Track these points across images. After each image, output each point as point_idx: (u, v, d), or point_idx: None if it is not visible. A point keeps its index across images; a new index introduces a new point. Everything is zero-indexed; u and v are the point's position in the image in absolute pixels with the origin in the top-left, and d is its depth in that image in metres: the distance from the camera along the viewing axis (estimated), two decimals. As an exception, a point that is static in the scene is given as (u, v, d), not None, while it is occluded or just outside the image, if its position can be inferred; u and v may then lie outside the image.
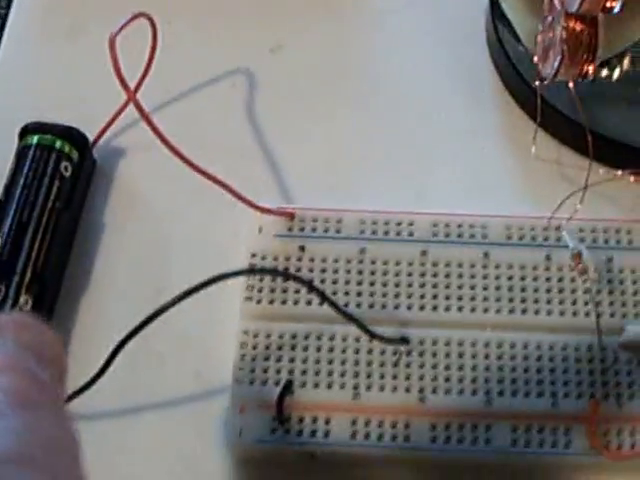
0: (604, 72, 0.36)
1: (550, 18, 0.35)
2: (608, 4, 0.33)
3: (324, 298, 0.30)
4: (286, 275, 0.31)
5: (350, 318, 0.30)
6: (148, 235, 0.35)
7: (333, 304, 0.30)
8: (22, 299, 0.31)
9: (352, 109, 0.38)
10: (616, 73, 0.36)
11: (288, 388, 0.30)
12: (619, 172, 0.33)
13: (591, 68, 0.34)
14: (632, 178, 0.33)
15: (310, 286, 0.31)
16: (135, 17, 0.33)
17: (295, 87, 0.38)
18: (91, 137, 0.35)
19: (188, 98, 0.38)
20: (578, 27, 0.34)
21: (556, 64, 0.34)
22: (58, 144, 0.34)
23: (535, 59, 0.35)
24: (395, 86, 0.38)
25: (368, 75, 0.39)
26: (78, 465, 0.19)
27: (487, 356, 0.31)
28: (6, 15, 0.40)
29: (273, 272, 0.32)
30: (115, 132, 0.36)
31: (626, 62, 0.37)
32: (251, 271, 0.31)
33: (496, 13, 0.38)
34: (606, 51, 0.35)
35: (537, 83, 0.35)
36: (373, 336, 0.30)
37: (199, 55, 0.39)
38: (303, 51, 0.39)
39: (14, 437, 0.18)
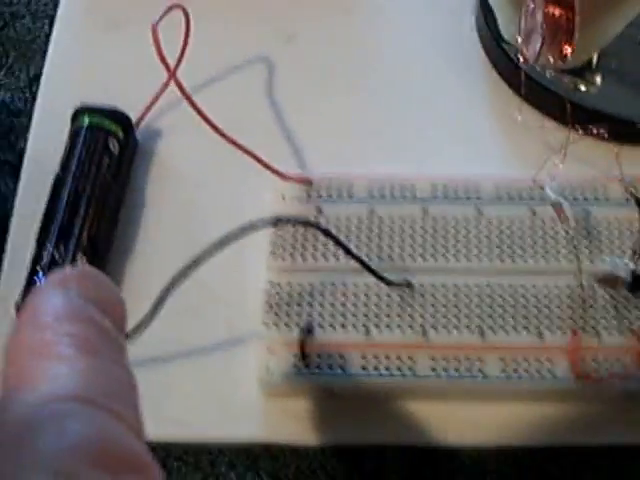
0: (582, 87, 0.39)
1: (532, 5, 0.38)
2: None
3: (339, 243, 0.34)
4: (309, 224, 0.35)
5: (361, 261, 0.34)
6: (184, 205, 0.39)
7: (348, 250, 0.34)
8: (78, 257, 0.35)
9: (359, 89, 0.41)
10: (592, 89, 0.40)
11: (309, 330, 0.34)
12: (594, 130, 0.37)
13: (569, 49, 0.38)
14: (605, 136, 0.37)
15: (328, 234, 0.35)
16: (171, 8, 0.37)
17: (308, 72, 0.42)
18: (134, 118, 0.39)
19: (216, 82, 0.41)
20: (557, 12, 0.38)
21: (538, 46, 0.38)
22: (107, 124, 0.38)
23: (519, 41, 0.39)
24: (396, 68, 0.42)
25: (373, 59, 0.42)
26: (135, 406, 0.20)
27: (480, 297, 0.34)
28: (52, 16, 0.44)
29: (299, 222, 0.36)
30: (154, 114, 0.40)
31: (598, 79, 0.40)
32: (279, 220, 0.35)
33: (483, 2, 0.42)
34: (583, 53, 0.39)
35: (522, 62, 0.39)
36: (382, 279, 0.34)
37: (225, 43, 0.42)
38: (315, 40, 0.43)
39: (78, 378, 0.19)
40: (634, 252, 0.34)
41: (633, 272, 0.34)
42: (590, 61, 0.40)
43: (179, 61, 0.38)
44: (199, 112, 0.35)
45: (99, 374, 0.20)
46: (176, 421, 0.34)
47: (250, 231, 0.33)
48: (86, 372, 0.20)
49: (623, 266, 0.34)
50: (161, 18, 0.36)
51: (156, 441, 0.33)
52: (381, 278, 0.34)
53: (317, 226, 0.35)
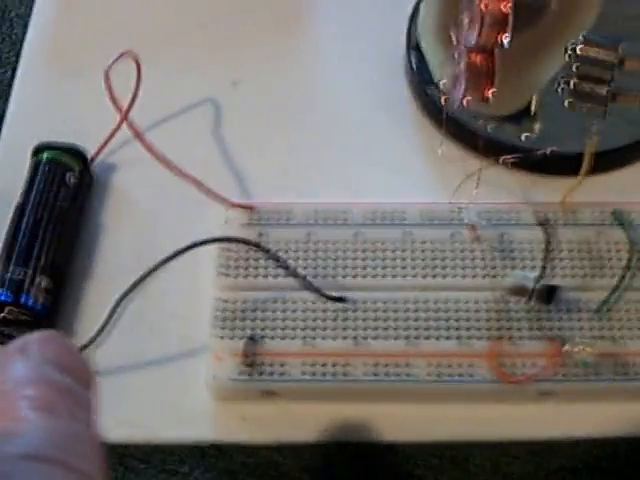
0: (523, 137, 0.43)
1: (457, 53, 0.42)
2: (499, 38, 0.40)
3: (278, 261, 0.38)
4: (252, 243, 0.39)
5: (300, 277, 0.38)
6: (137, 231, 0.42)
7: (287, 267, 0.38)
8: (38, 279, 0.38)
9: (298, 127, 0.45)
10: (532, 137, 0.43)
11: (253, 340, 0.37)
12: (500, 160, 0.40)
13: (490, 93, 0.42)
14: (509, 164, 0.41)
15: (269, 252, 0.38)
16: (122, 55, 0.40)
17: (252, 112, 0.46)
18: (91, 154, 0.43)
19: (168, 121, 0.45)
20: (478, 59, 0.42)
21: (461, 91, 0.42)
22: (64, 159, 0.41)
23: (443, 85, 0.43)
24: (332, 108, 0.46)
25: (310, 101, 0.46)
26: (94, 458, 0.20)
27: (408, 310, 0.38)
28: (16, 61, 0.48)
29: (243, 241, 0.39)
30: (110, 150, 0.43)
31: (537, 126, 0.43)
32: (227, 239, 0.39)
33: (412, 47, 0.46)
34: (509, 102, 0.43)
35: (443, 103, 0.43)
36: (320, 294, 0.38)
37: (176, 86, 0.46)
38: (257, 84, 0.47)
39: (34, 436, 0.20)
40: (543, 267, 0.37)
41: (544, 285, 0.37)
42: (528, 109, 0.44)
43: (131, 103, 0.41)
44: (148, 148, 0.38)
45: (55, 431, 0.20)
46: (133, 423, 0.37)
47: (196, 247, 0.36)
48: (42, 431, 0.20)
49: (528, 278, 0.37)
50: (112, 64, 0.39)
51: (115, 441, 0.36)
52: (319, 292, 0.38)
53: (259, 246, 0.39)
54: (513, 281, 0.38)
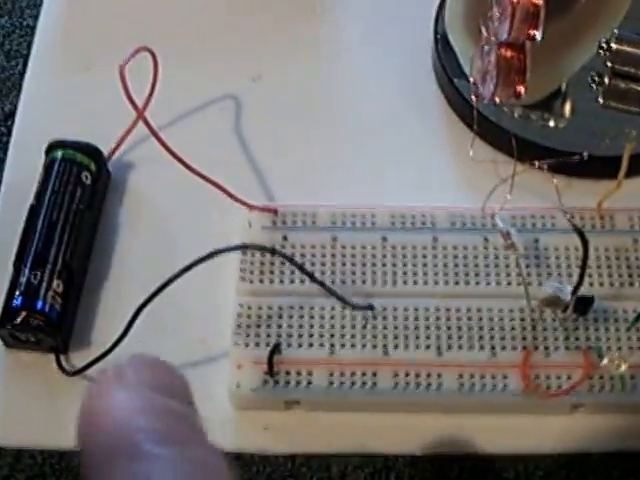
0: (551, 122, 0.42)
1: (486, 47, 0.41)
2: (531, 33, 0.39)
3: (302, 269, 0.37)
4: (274, 251, 0.37)
5: (324, 286, 0.36)
6: (156, 233, 0.41)
7: (310, 275, 0.36)
8: (54, 283, 0.37)
9: (323, 125, 0.44)
10: (561, 122, 0.42)
11: (277, 348, 0.36)
12: (536, 164, 0.38)
13: (522, 88, 0.41)
14: (544, 169, 0.39)
15: (292, 260, 0.37)
16: (138, 50, 0.39)
17: (274, 109, 0.44)
18: (106, 152, 0.41)
19: (187, 118, 0.44)
20: (509, 54, 0.41)
21: (491, 87, 0.41)
22: (78, 157, 0.40)
23: (472, 81, 0.42)
24: (358, 105, 0.44)
25: (335, 98, 0.45)
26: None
27: (438, 318, 0.37)
28: (28, 53, 0.46)
29: (264, 249, 0.38)
30: (126, 148, 0.42)
31: (567, 109, 0.43)
32: (246, 247, 0.37)
33: (439, 39, 0.44)
34: (538, 92, 0.42)
35: (474, 99, 0.41)
36: (345, 302, 0.36)
37: (194, 82, 0.45)
38: (279, 79, 0.45)
39: (171, 473, 0.19)
40: (580, 277, 0.36)
41: (577, 295, 0.36)
42: (558, 93, 0.43)
43: (148, 100, 0.40)
44: (166, 147, 0.37)
45: (187, 462, 0.20)
46: None
47: (216, 256, 0.34)
48: (174, 464, 0.19)
49: (563, 290, 0.36)
50: (128, 60, 0.38)
51: None
52: (345, 302, 0.37)
53: (281, 254, 0.37)
54: (547, 292, 0.36)
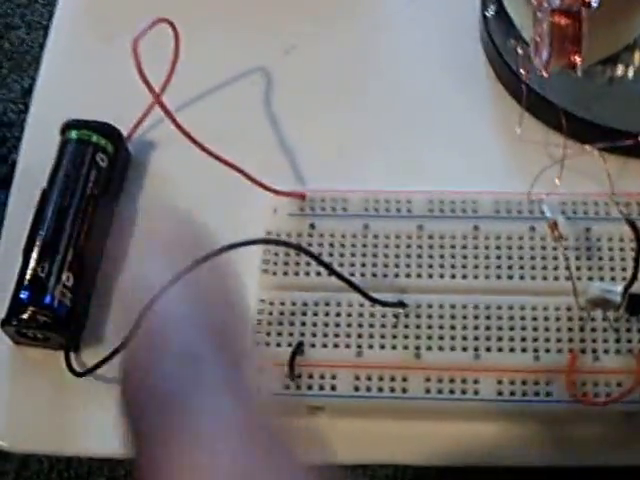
0: (619, 70, 0.38)
1: (539, 14, 0.38)
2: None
3: (326, 267, 0.34)
4: (293, 246, 0.35)
5: (350, 284, 0.33)
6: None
7: (334, 272, 0.34)
8: (64, 276, 0.35)
9: (357, 102, 0.41)
10: (630, 71, 0.39)
11: (299, 349, 0.33)
12: (587, 147, 0.36)
13: (578, 58, 0.37)
14: (596, 152, 0.36)
15: (314, 256, 0.34)
16: (156, 22, 0.36)
17: (307, 84, 0.41)
18: (127, 131, 0.39)
19: (212, 94, 0.41)
20: (563, 21, 0.37)
21: (545, 56, 0.37)
22: (95, 138, 0.37)
23: (523, 50, 0.38)
24: (398, 81, 0.41)
25: (373, 73, 0.42)
26: None
27: (476, 317, 0.34)
28: (47, 27, 0.44)
29: (283, 243, 0.35)
30: (148, 126, 0.40)
31: (637, 57, 0.39)
32: (262, 241, 0.35)
33: (488, 6, 0.41)
34: (610, 47, 0.38)
35: (523, 72, 0.38)
36: (372, 300, 0.34)
37: (220, 55, 0.42)
38: (313, 51, 0.42)
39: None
40: (634, 274, 0.32)
41: (630, 294, 0.32)
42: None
43: (168, 79, 0.38)
44: (184, 132, 0.35)
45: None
46: None
47: (227, 251, 0.32)
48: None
49: (613, 289, 0.33)
50: (143, 33, 0.35)
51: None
52: (371, 299, 0.34)
53: (303, 249, 0.35)
54: (593, 293, 0.33)
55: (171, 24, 0.37)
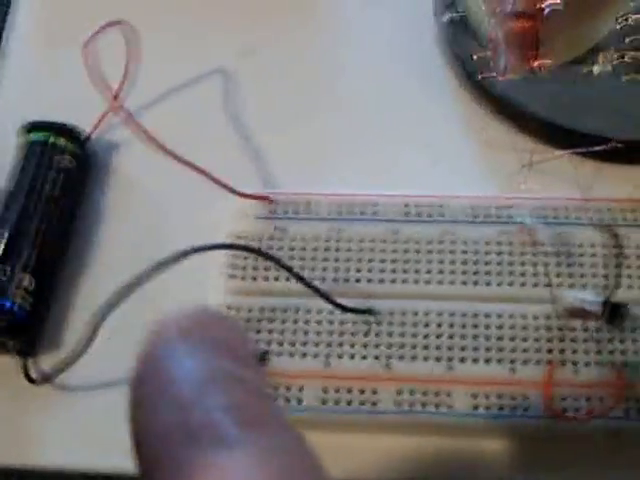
0: (596, 69, 0.37)
1: (493, 20, 0.36)
2: (540, 3, 0.34)
3: (290, 272, 0.32)
4: (250, 249, 0.33)
5: (315, 290, 0.32)
6: (140, 223, 0.37)
7: (299, 277, 0.32)
8: (25, 279, 0.33)
9: (325, 105, 0.40)
10: (596, 69, 0.37)
11: (264, 358, 0.32)
12: (560, 152, 0.34)
13: (536, 64, 0.35)
14: (568, 157, 0.34)
15: (274, 259, 0.33)
16: (109, 24, 0.35)
17: (271, 85, 0.40)
18: (86, 133, 0.37)
19: (177, 96, 0.40)
20: (518, 27, 0.35)
21: (502, 62, 0.36)
22: (54, 140, 0.36)
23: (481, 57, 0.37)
24: (364, 84, 0.40)
25: (339, 74, 0.41)
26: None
27: (451, 325, 0.32)
28: (2, 28, 0.42)
29: (237, 247, 0.33)
30: (111, 127, 0.38)
31: (601, 59, 0.37)
32: (216, 246, 0.33)
33: (448, 9, 0.39)
34: (573, 50, 0.37)
35: (480, 77, 0.36)
36: (339, 307, 0.32)
37: (182, 56, 0.41)
38: (276, 52, 0.41)
39: (256, 467, 0.18)
40: (615, 282, 0.31)
41: (611, 303, 0.31)
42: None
43: (123, 81, 0.37)
44: (146, 134, 0.34)
45: (268, 452, 0.18)
46: (119, 450, 0.31)
47: (188, 256, 0.30)
48: (261, 454, 0.18)
49: (590, 299, 0.31)
50: (93, 37, 0.34)
51: (105, 472, 0.32)
52: (340, 306, 0.32)
53: (263, 254, 0.33)
54: (573, 302, 0.31)
55: (126, 25, 0.36)
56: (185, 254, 0.31)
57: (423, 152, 0.38)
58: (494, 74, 0.36)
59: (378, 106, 0.39)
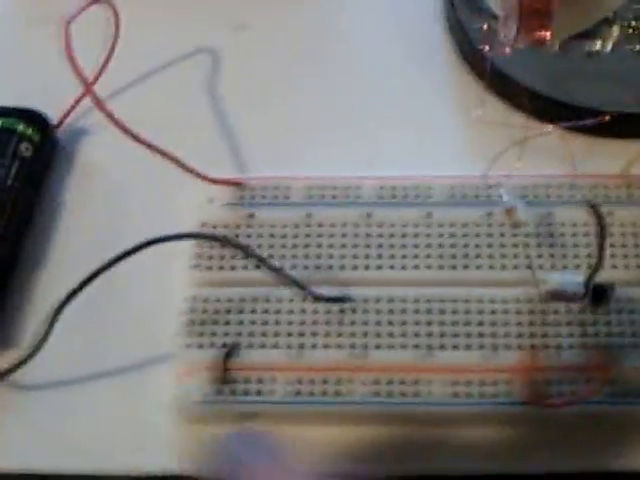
0: (590, 47, 0.36)
1: None
2: None
3: (259, 259, 0.31)
4: (219, 239, 0.32)
5: (287, 277, 0.31)
6: (105, 210, 0.36)
7: (268, 265, 0.31)
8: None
9: (305, 84, 0.39)
10: (609, 46, 0.36)
11: (234, 350, 0.31)
12: (550, 127, 0.33)
13: (548, 35, 0.34)
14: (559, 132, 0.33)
15: (242, 247, 0.32)
16: (91, 3, 0.34)
17: (252, 65, 0.39)
18: (57, 118, 0.36)
19: (153, 78, 0.39)
20: None
21: (513, 32, 0.34)
22: (16, 126, 0.35)
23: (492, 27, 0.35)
24: (349, 60, 0.39)
25: (322, 52, 0.40)
26: None
27: (429, 311, 0.31)
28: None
29: (200, 236, 0.32)
30: (83, 113, 0.37)
31: (615, 33, 0.36)
32: (187, 235, 0.32)
33: None
34: (583, 23, 0.36)
35: (486, 48, 0.35)
36: (313, 295, 0.31)
37: (163, 34, 0.40)
38: (261, 31, 0.40)
39: None
40: (596, 263, 0.30)
41: (594, 284, 0.30)
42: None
43: (104, 64, 0.36)
44: (113, 120, 0.32)
45: None
46: (81, 450, 0.31)
47: (147, 247, 0.29)
48: None
49: (573, 280, 0.30)
50: (76, 15, 0.33)
51: (58, 472, 0.30)
52: (312, 293, 0.31)
53: (231, 241, 0.32)
54: (556, 284, 0.30)
55: (110, 3, 0.35)
56: (145, 245, 0.29)
57: (409, 131, 0.37)
58: (499, 45, 0.35)
59: (365, 84, 0.39)
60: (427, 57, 0.38)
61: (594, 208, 0.29)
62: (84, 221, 0.35)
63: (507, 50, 0.34)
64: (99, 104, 0.32)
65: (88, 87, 0.32)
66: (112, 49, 0.36)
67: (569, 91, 0.35)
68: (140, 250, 0.29)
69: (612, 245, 0.32)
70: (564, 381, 0.30)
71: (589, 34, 0.36)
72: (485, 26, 0.36)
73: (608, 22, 0.37)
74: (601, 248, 0.29)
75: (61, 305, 0.30)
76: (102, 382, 0.32)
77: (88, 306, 0.31)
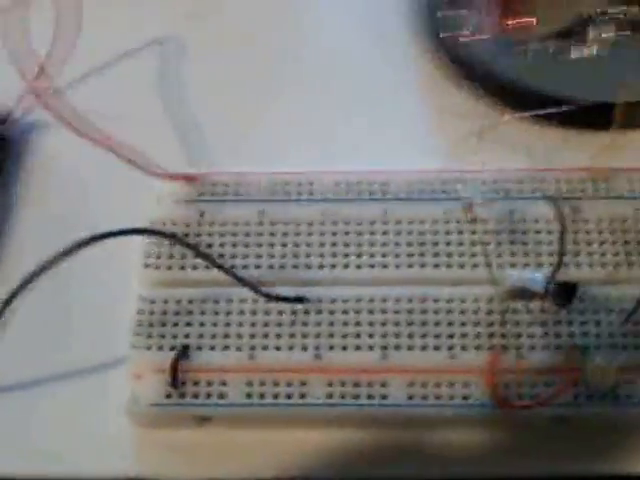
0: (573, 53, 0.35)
1: None
2: None
3: (207, 259, 0.30)
4: (163, 234, 0.31)
5: (239, 279, 0.30)
6: (58, 208, 0.35)
7: (217, 265, 0.30)
8: None
9: (261, 76, 0.38)
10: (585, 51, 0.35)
11: (183, 352, 0.30)
12: (510, 116, 0.32)
13: (534, 20, 0.34)
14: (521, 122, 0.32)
15: (190, 246, 0.31)
16: None
17: (212, 55, 0.38)
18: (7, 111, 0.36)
19: (109, 69, 0.38)
20: None
21: (476, 19, 0.34)
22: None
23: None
24: (304, 43, 0.38)
25: (283, 43, 0.39)
26: None
27: (384, 311, 0.30)
28: None
29: (147, 232, 0.31)
30: (30, 108, 0.36)
31: (591, 34, 0.36)
32: (123, 232, 0.30)
33: None
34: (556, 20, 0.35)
35: (444, 35, 0.35)
36: (265, 296, 0.30)
37: (120, 21, 0.39)
38: (219, 18, 0.39)
39: None
40: (559, 259, 0.29)
41: (556, 282, 0.29)
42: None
43: (48, 57, 0.34)
44: (60, 113, 0.31)
45: None
46: (31, 454, 0.30)
47: (87, 245, 0.28)
48: None
49: (533, 278, 0.29)
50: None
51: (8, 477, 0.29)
52: (264, 295, 0.30)
53: (178, 239, 0.31)
54: (515, 282, 0.29)
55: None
56: (88, 242, 0.28)
57: (369, 123, 0.36)
58: (463, 32, 0.34)
59: (320, 75, 0.38)
60: (388, 46, 0.38)
61: (554, 203, 0.29)
62: (37, 218, 0.35)
63: (471, 38, 0.34)
64: (39, 99, 0.31)
65: (29, 82, 0.31)
66: (63, 39, 0.34)
67: (535, 80, 0.34)
68: (82, 248, 0.28)
69: (576, 242, 0.31)
70: (526, 383, 0.29)
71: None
72: (451, 12, 0.35)
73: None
74: (562, 245, 0.29)
75: (6, 302, 0.29)
76: (52, 386, 0.31)
77: (34, 305, 0.30)
